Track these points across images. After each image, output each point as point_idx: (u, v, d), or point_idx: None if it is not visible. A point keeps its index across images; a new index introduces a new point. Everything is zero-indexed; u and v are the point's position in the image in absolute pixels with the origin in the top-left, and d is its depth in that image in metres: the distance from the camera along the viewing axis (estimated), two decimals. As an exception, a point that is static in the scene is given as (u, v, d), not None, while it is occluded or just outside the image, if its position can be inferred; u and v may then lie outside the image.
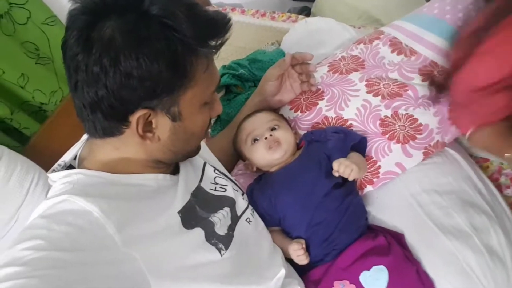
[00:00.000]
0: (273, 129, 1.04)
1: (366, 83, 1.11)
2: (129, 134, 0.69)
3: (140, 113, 0.66)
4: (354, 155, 0.99)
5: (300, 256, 0.89)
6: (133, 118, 0.66)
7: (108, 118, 0.67)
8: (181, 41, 0.63)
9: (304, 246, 0.90)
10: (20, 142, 1.62)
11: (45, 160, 0.77)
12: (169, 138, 0.73)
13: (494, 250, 0.85)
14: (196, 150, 0.85)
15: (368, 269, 0.86)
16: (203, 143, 1.04)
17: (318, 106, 1.12)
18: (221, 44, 0.69)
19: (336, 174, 0.91)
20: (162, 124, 0.70)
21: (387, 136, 1.03)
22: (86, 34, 0.61)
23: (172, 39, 0.63)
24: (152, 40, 0.61)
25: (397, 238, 0.93)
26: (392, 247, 0.89)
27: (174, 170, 0.85)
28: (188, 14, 0.63)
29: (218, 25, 0.67)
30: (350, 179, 0.91)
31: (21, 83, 1.57)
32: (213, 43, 0.68)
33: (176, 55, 0.63)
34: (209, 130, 0.82)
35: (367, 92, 1.09)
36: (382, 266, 0.85)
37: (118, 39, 0.60)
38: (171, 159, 0.80)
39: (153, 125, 0.70)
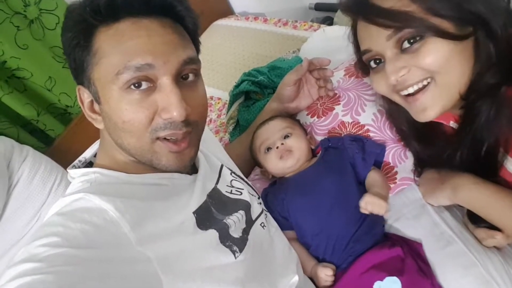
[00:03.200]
0: (286, 136, 1.04)
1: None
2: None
3: (79, 91, 0.72)
4: (378, 179, 0.97)
5: (327, 282, 0.89)
6: (79, 98, 0.73)
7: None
8: (82, 11, 0.65)
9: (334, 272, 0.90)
10: (45, 143, 1.67)
11: (68, 161, 0.79)
12: (107, 126, 0.72)
13: (508, 253, 0.84)
14: (152, 156, 0.72)
15: (382, 280, 0.85)
16: (220, 145, 1.05)
17: (334, 111, 1.11)
18: (119, 10, 0.65)
19: (366, 212, 0.87)
20: (95, 106, 0.73)
21: (403, 143, 1.02)
22: None
23: (80, 12, 0.65)
24: (71, 13, 0.67)
25: (414, 248, 0.91)
26: (407, 259, 0.88)
27: (191, 170, 0.85)
28: None
29: None
30: (381, 214, 0.88)
31: (48, 86, 1.62)
32: (111, 11, 0.65)
33: (80, 26, 0.66)
34: (162, 134, 0.70)
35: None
36: (395, 278, 0.84)
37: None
38: (135, 158, 0.74)
39: (93, 106, 0.73)
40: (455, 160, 0.84)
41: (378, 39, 0.75)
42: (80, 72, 0.69)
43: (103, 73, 0.66)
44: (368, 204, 0.86)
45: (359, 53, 0.85)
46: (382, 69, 0.78)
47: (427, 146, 0.93)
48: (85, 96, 0.72)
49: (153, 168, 0.74)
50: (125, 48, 0.65)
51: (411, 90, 0.75)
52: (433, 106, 0.75)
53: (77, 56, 0.67)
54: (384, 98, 0.93)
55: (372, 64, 0.81)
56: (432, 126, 0.88)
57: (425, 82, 0.73)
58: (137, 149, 0.71)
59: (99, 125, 0.73)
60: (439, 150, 0.89)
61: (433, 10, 0.69)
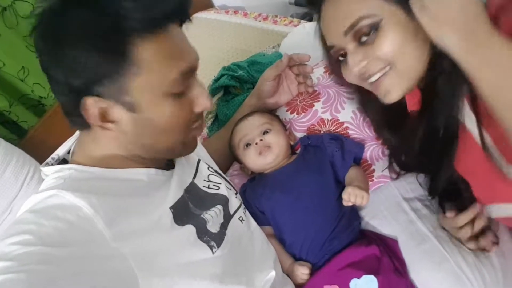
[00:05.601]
0: (265, 132, 1.04)
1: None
2: (95, 128, 0.68)
3: (89, 101, 0.64)
4: (358, 174, 0.98)
5: (304, 279, 0.90)
6: (83, 107, 0.64)
7: (72, 112, 0.67)
8: (115, 24, 0.60)
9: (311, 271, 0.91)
10: (17, 135, 1.63)
11: (42, 154, 0.77)
12: (134, 132, 0.70)
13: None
14: (182, 147, 0.78)
15: (359, 278, 0.86)
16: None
17: (314, 108, 1.11)
18: (168, 19, 0.65)
19: (349, 204, 0.88)
20: (118, 114, 0.67)
21: (381, 141, 1.03)
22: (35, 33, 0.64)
23: (106, 22, 0.60)
24: (81, 24, 0.61)
25: (390, 246, 0.93)
26: (384, 258, 0.90)
27: (167, 165, 0.85)
28: None
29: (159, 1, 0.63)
30: (363, 205, 0.90)
31: (21, 76, 1.58)
32: (159, 21, 0.64)
33: (109, 38, 0.61)
34: (198, 125, 0.77)
35: (362, 96, 1.09)
36: (372, 277, 0.85)
37: (50, 29, 0.62)
38: (151, 155, 0.77)
39: (110, 116, 0.67)
40: (415, 143, 0.87)
41: (338, 34, 0.78)
42: (96, 82, 0.63)
43: (149, 81, 0.65)
44: (351, 196, 0.87)
45: (326, 50, 0.88)
46: (347, 63, 0.81)
47: (396, 133, 0.94)
48: (99, 105, 0.65)
49: (143, 162, 0.76)
50: (173, 55, 0.66)
51: (374, 78, 0.78)
52: (394, 89, 0.77)
53: (98, 67, 0.62)
54: (356, 90, 0.97)
55: (340, 58, 0.84)
56: (401, 113, 0.90)
57: (386, 69, 0.76)
58: (170, 146, 0.75)
59: (109, 133, 0.69)
60: (408, 135, 0.90)
61: None
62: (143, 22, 0.61)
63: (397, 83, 0.77)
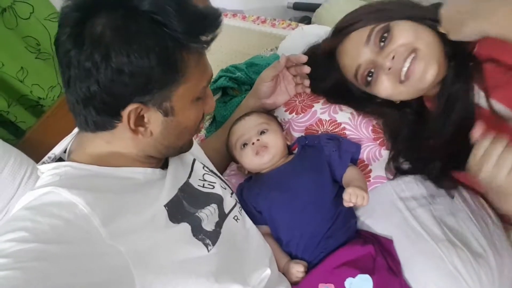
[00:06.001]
0: (262, 132, 1.04)
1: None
2: (121, 128, 0.70)
3: (131, 107, 0.66)
4: (356, 174, 0.98)
5: (298, 277, 0.90)
6: (125, 113, 0.66)
7: (101, 113, 0.67)
8: (172, 37, 0.63)
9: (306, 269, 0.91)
10: (15, 136, 1.63)
11: (40, 154, 0.78)
12: (161, 133, 0.73)
13: (476, 250, 0.86)
14: (189, 145, 0.85)
15: (354, 277, 0.86)
16: (193, 140, 1.05)
17: (313, 109, 1.12)
18: (212, 39, 0.69)
19: (350, 205, 0.88)
20: (154, 119, 0.71)
21: (378, 142, 1.04)
22: (77, 31, 0.62)
23: (162, 34, 0.63)
24: (142, 36, 0.62)
25: (385, 245, 0.93)
26: (378, 257, 0.90)
27: (163, 165, 0.85)
28: (178, 9, 0.63)
29: (209, 20, 0.68)
30: (364, 205, 0.90)
31: (20, 77, 1.58)
32: (204, 38, 0.68)
33: (167, 50, 0.64)
34: (202, 125, 0.83)
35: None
36: (367, 276, 0.85)
37: (108, 35, 0.61)
38: (163, 153, 0.81)
39: (145, 120, 0.70)
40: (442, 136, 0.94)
41: (360, 52, 0.92)
42: (146, 91, 0.66)
43: (188, 88, 0.70)
44: (352, 196, 0.87)
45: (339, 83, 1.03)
46: (378, 74, 0.92)
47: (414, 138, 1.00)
48: (139, 111, 0.68)
49: (145, 161, 0.79)
50: (205, 65, 0.74)
51: (406, 65, 0.87)
52: (428, 68, 0.86)
53: (154, 77, 0.64)
54: (379, 113, 1.06)
55: (368, 78, 0.94)
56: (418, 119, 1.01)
57: (413, 55, 0.86)
58: (182, 145, 0.82)
59: (133, 135, 0.70)
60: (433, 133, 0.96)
61: None
62: (191, 34, 0.66)
63: (428, 61, 0.86)
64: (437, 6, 0.88)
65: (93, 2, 0.63)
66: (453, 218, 0.91)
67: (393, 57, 0.87)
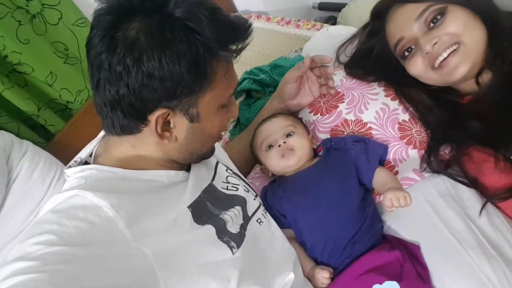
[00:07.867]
0: (288, 135, 1.03)
1: (384, 87, 1.11)
2: (147, 132, 0.70)
3: (159, 112, 0.67)
4: (387, 175, 0.95)
5: (324, 284, 0.88)
6: (152, 117, 0.67)
7: (128, 116, 0.68)
8: (203, 44, 0.64)
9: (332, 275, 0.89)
10: (45, 139, 1.66)
11: (68, 157, 0.80)
12: (185, 138, 0.74)
13: (510, 258, 0.82)
14: (211, 151, 0.86)
15: (381, 283, 0.84)
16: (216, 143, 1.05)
17: (338, 109, 1.11)
18: (242, 49, 0.70)
19: (393, 209, 0.83)
20: (180, 124, 0.71)
21: (405, 140, 1.02)
22: (111, 34, 0.63)
23: (195, 41, 0.64)
24: (175, 42, 0.63)
25: (412, 251, 0.90)
26: (406, 263, 0.87)
27: (187, 168, 0.86)
28: (210, 18, 0.64)
29: (239, 30, 0.69)
30: (408, 205, 0.83)
31: (49, 82, 1.62)
32: (233, 47, 0.69)
33: (198, 57, 0.65)
34: (223, 132, 0.82)
35: (385, 96, 1.09)
36: (394, 283, 0.82)
37: (142, 40, 0.62)
38: (186, 159, 0.81)
39: (171, 125, 0.71)
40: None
41: (408, 25, 0.93)
42: (174, 96, 0.67)
43: (214, 96, 0.71)
44: (394, 200, 0.82)
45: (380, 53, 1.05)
46: (415, 53, 0.94)
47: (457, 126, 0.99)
48: (166, 116, 0.69)
49: (169, 166, 0.80)
50: (232, 73, 0.75)
51: (444, 55, 0.89)
52: (463, 64, 0.89)
53: (187, 81, 0.66)
54: (414, 101, 1.05)
55: (406, 53, 0.97)
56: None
57: (454, 47, 0.88)
58: (207, 151, 0.83)
59: (159, 139, 0.72)
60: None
61: None
62: (222, 43, 0.67)
63: (465, 59, 0.88)
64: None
65: (128, 7, 0.64)
66: (486, 223, 0.87)
67: (435, 43, 0.89)
